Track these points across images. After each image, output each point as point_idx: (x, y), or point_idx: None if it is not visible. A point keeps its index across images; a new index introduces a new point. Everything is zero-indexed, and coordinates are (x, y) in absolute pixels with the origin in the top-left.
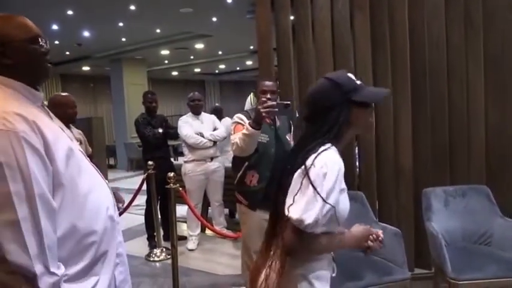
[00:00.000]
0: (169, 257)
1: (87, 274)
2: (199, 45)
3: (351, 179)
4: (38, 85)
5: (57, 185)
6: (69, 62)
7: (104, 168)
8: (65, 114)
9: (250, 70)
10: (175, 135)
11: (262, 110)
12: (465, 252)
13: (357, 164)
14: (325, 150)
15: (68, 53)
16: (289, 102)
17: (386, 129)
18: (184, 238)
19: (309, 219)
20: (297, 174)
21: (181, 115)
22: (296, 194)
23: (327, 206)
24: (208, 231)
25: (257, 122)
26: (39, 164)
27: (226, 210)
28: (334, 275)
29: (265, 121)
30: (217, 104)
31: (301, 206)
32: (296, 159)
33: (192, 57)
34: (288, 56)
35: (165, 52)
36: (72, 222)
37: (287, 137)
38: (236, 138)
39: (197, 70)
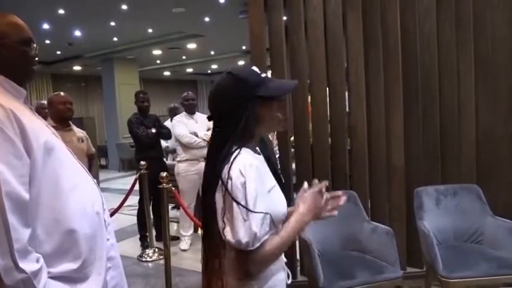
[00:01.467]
0: (161, 257)
1: (75, 274)
2: (192, 45)
3: (343, 179)
4: (20, 86)
5: (34, 177)
6: (60, 62)
7: (95, 168)
8: (63, 109)
9: None
10: (168, 135)
11: None
12: (456, 251)
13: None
14: (236, 157)
15: (59, 52)
16: None
17: (379, 128)
18: (177, 238)
19: (244, 237)
20: (217, 192)
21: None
22: (224, 215)
23: (259, 216)
24: (201, 231)
25: None
26: (9, 151)
27: None
28: (289, 282)
29: None
30: (174, 105)
31: (233, 227)
32: (212, 175)
33: (184, 57)
34: (280, 56)
35: (157, 52)
36: (54, 217)
37: (269, 136)
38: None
39: (189, 70)
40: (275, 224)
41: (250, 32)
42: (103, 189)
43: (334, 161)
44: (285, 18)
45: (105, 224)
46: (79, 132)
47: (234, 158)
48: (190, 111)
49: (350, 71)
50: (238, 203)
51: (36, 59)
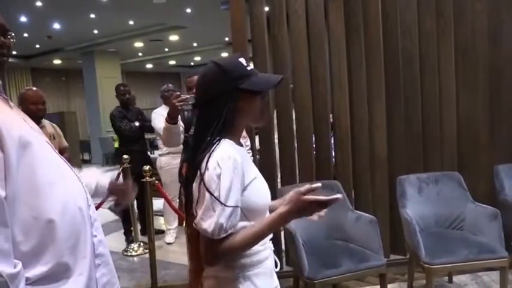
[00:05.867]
0: (147, 251)
1: (55, 276)
2: (174, 37)
3: (327, 169)
4: None
5: (8, 174)
6: (39, 55)
7: (78, 164)
8: (34, 110)
9: None
10: (152, 128)
11: (176, 104)
12: (438, 237)
13: (333, 154)
14: (215, 148)
15: (38, 46)
16: None
17: (361, 118)
18: (162, 232)
19: (210, 227)
20: (195, 182)
21: (156, 108)
22: (197, 204)
23: (228, 209)
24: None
25: (172, 116)
26: None
27: None
28: (277, 269)
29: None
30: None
31: (201, 215)
32: (191, 165)
33: (166, 49)
34: (263, 47)
35: (138, 44)
36: (32, 216)
37: None
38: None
39: (172, 62)
40: (251, 215)
41: (231, 24)
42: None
43: (318, 151)
44: (266, 9)
45: (91, 220)
46: (50, 128)
47: (214, 149)
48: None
49: (332, 61)
50: (211, 194)
51: (4, 50)
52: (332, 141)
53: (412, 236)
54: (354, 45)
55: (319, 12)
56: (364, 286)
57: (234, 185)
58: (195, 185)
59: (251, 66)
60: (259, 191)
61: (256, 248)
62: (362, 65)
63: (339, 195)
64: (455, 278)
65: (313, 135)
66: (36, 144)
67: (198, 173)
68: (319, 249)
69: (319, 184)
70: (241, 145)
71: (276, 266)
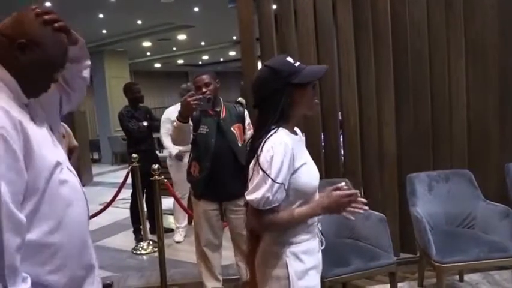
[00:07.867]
0: (156, 249)
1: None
2: (182, 36)
3: (335, 167)
4: (30, 96)
5: (31, 194)
6: None
7: (87, 163)
8: None
9: (233, 61)
10: (160, 128)
11: (192, 103)
12: (449, 236)
13: (342, 151)
14: (271, 134)
15: None
16: (210, 97)
17: (370, 116)
18: (171, 230)
19: (257, 197)
20: (252, 163)
21: (165, 107)
22: (250, 179)
23: (276, 185)
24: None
25: (183, 115)
26: (11, 167)
27: None
28: (323, 247)
29: (209, 113)
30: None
31: (252, 188)
32: (251, 150)
33: (174, 48)
34: (271, 45)
35: (147, 44)
36: (44, 238)
37: (232, 129)
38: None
39: (180, 61)
40: (300, 195)
41: (239, 22)
42: (96, 183)
43: (327, 149)
44: (274, 7)
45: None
46: (61, 128)
47: (270, 136)
48: None
49: (340, 59)
50: (264, 172)
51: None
52: (341, 139)
53: (422, 234)
54: (362, 42)
55: (327, 9)
56: (374, 285)
57: (284, 166)
58: (251, 165)
59: (298, 62)
60: (309, 174)
61: (303, 227)
62: (370, 62)
63: (355, 191)
64: (466, 277)
65: (322, 133)
66: (61, 167)
67: (255, 155)
68: (329, 248)
69: (343, 183)
70: (295, 134)
71: (322, 245)
